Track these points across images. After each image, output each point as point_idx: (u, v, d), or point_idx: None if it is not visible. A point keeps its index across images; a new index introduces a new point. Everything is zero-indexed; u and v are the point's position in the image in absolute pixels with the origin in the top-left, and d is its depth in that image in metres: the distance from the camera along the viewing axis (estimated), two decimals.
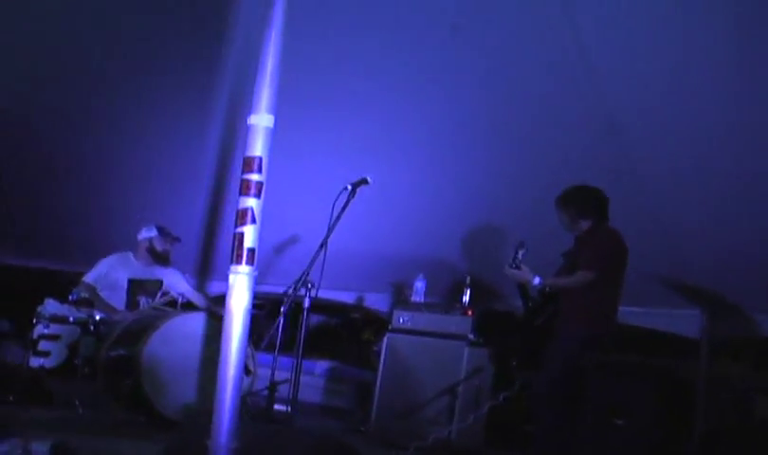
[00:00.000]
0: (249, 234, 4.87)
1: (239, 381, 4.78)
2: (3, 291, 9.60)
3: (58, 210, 10.36)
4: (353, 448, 5.24)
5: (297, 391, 7.74)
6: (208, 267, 11.14)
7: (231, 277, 4.84)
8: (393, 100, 8.31)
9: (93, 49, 8.48)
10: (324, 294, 9.87)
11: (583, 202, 6.98)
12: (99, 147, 9.76)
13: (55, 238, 10.68)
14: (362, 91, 8.33)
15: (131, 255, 9.06)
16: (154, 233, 9.08)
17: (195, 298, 9.10)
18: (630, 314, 7.98)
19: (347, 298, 10.83)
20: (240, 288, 4.83)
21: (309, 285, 7.51)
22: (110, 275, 8.81)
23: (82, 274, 8.81)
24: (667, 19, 6.71)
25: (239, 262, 4.84)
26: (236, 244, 4.87)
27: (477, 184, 8.63)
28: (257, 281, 9.78)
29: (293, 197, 9.21)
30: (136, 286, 8.91)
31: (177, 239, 9.29)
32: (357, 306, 10.90)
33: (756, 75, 6.66)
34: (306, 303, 7.61)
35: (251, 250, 4.86)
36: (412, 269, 8.89)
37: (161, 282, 9.10)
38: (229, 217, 9.43)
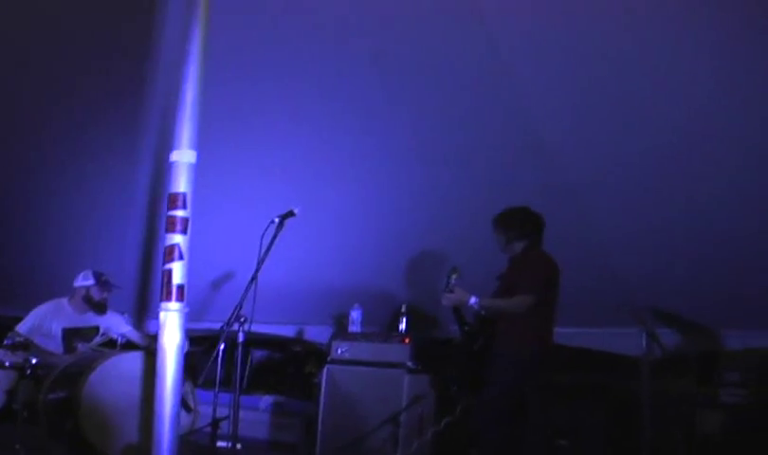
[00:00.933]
0: (178, 270, 4.87)
1: (176, 418, 4.76)
2: None
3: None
4: None
5: (237, 427, 7.64)
6: (145, 306, 11.04)
7: (162, 314, 4.84)
8: (318, 130, 8.33)
9: (21, 96, 8.45)
10: (264, 328, 9.92)
11: (519, 223, 7.02)
12: (32, 192, 9.70)
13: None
14: (287, 122, 8.34)
15: (65, 302, 8.81)
16: (91, 281, 8.81)
17: (137, 338, 8.96)
18: (568, 335, 8.03)
19: (288, 331, 10.80)
20: (171, 325, 4.82)
21: (242, 320, 7.45)
22: (43, 325, 8.59)
23: (18, 318, 8.68)
24: (586, 32, 6.78)
25: (169, 298, 4.83)
26: (165, 280, 4.86)
27: (409, 210, 8.67)
28: (194, 317, 9.85)
29: (227, 233, 9.20)
30: (71, 334, 8.67)
31: (116, 286, 9.05)
32: (299, 339, 10.86)
33: (680, 80, 6.78)
34: (240, 338, 7.53)
35: (180, 287, 4.85)
36: (350, 300, 8.90)
37: (98, 328, 8.92)
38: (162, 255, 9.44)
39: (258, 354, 12.14)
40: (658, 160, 7.33)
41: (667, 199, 7.56)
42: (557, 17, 6.79)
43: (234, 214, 9.24)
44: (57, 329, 8.66)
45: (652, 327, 8.06)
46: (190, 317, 9.86)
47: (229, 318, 7.27)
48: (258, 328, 9.47)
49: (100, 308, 8.84)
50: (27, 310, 8.74)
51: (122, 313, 9.42)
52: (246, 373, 11.55)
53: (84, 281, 8.83)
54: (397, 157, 8.32)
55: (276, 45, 7.71)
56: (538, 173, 7.73)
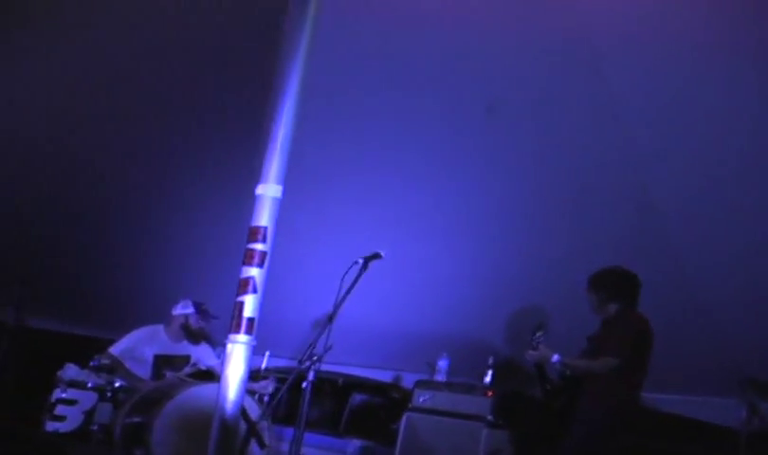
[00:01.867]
0: (250, 304, 4.87)
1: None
2: (25, 354, 9.60)
3: (89, 277, 10.42)
4: None
5: None
6: None
7: (229, 346, 4.83)
8: (420, 170, 8.30)
9: (147, 126, 8.67)
10: (361, 372, 9.88)
11: (613, 285, 6.86)
12: (138, 216, 9.84)
13: (83, 304, 10.73)
14: (384, 162, 8.35)
15: (161, 329, 8.82)
16: (190, 310, 8.83)
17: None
18: (662, 401, 7.84)
19: (384, 376, 10.73)
20: (237, 357, 4.80)
21: (314, 359, 7.39)
22: (137, 349, 8.61)
23: (106, 341, 8.75)
24: (699, 99, 6.64)
25: (237, 331, 4.81)
26: (236, 313, 4.84)
27: (510, 264, 8.53)
28: (294, 356, 9.86)
29: (331, 273, 9.19)
30: (162, 362, 8.68)
31: (215, 317, 8.93)
32: (395, 385, 10.79)
33: None
34: (310, 376, 7.48)
35: (251, 320, 4.84)
36: (443, 347, 8.79)
37: (189, 358, 8.87)
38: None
39: (358, 398, 12.10)
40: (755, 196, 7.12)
41: None
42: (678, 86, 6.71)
43: (337, 255, 9.23)
44: (149, 354, 8.67)
45: (754, 398, 7.83)
46: (289, 355, 10.03)
47: (301, 357, 7.22)
48: (355, 371, 9.52)
49: (196, 337, 8.84)
50: (120, 334, 8.83)
51: (215, 347, 9.40)
52: (345, 415, 11.53)
53: (184, 309, 8.86)
54: (496, 210, 8.27)
55: (381, 91, 7.75)
56: (649, 240, 7.57)
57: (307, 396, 7.25)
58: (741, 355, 7.82)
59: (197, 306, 8.89)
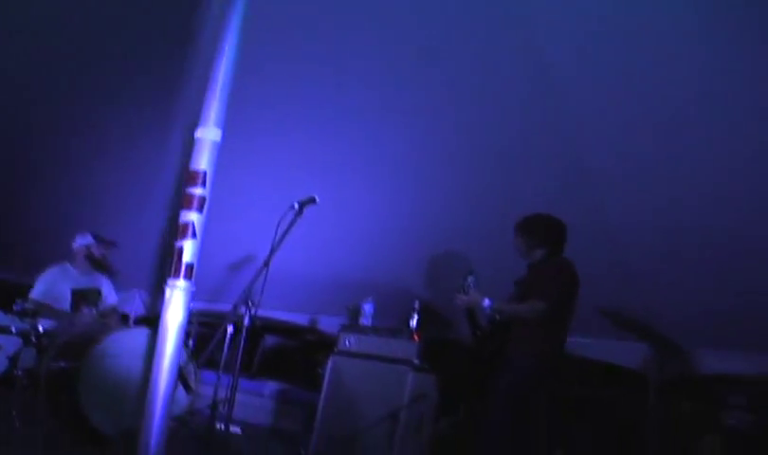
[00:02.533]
0: (189, 249, 4.83)
1: (169, 397, 4.69)
2: None
3: (14, 221, 10.25)
4: None
5: (232, 410, 7.57)
6: (162, 283, 10.99)
7: (168, 291, 4.79)
8: (350, 122, 8.27)
9: (58, 63, 8.48)
10: (278, 315, 9.86)
11: (541, 231, 6.94)
12: (52, 153, 9.69)
13: (8, 248, 10.57)
14: (320, 111, 8.28)
15: (68, 265, 8.89)
16: (89, 239, 8.93)
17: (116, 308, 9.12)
18: (575, 344, 7.96)
19: (301, 320, 10.74)
20: (176, 302, 4.77)
21: (249, 304, 7.38)
22: (55, 288, 8.66)
23: (27, 286, 8.67)
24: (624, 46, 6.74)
25: (177, 276, 4.77)
26: (175, 258, 4.80)
27: (433, 209, 8.59)
28: (210, 299, 9.81)
29: (250, 215, 9.16)
30: (78, 296, 8.75)
31: (113, 243, 9.10)
32: (312, 329, 10.80)
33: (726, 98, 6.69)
34: (246, 321, 7.49)
35: (190, 265, 4.80)
36: (366, 293, 8.84)
37: (100, 291, 8.99)
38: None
39: (270, 341, 12.10)
40: (678, 158, 7.23)
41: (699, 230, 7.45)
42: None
43: (256, 198, 9.21)
44: (66, 290, 8.73)
45: (661, 344, 8.03)
46: (206, 297, 9.99)
47: (237, 302, 7.22)
48: (272, 314, 9.51)
49: (101, 266, 8.90)
50: (30, 274, 8.76)
51: (116, 277, 9.37)
52: (257, 357, 11.53)
53: (83, 240, 8.95)
54: (426, 157, 8.29)
55: (317, 32, 7.70)
56: (569, 180, 7.67)
57: (242, 342, 7.28)
58: (654, 305, 8.02)
59: (94, 235, 8.96)
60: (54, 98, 8.96)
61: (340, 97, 8.05)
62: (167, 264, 10.34)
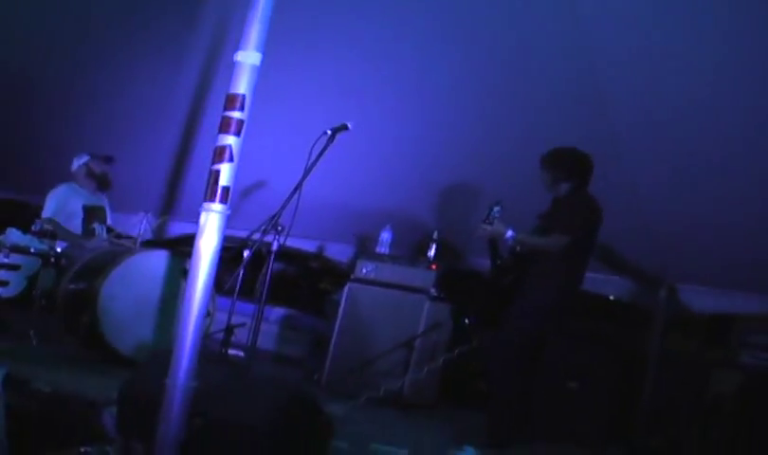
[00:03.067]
0: (226, 172, 4.77)
1: (201, 321, 4.71)
2: None
3: (25, 140, 10.24)
4: (310, 395, 5.20)
5: (256, 338, 7.65)
6: (171, 207, 11.02)
7: (203, 215, 4.73)
8: (378, 46, 8.20)
9: None
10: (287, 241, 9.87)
11: (567, 165, 6.87)
12: (67, 74, 9.66)
13: (22, 169, 10.56)
14: (346, 34, 8.21)
15: (74, 185, 8.99)
16: (86, 158, 9.04)
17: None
18: (590, 279, 8.00)
19: (308, 246, 10.74)
20: (211, 227, 4.73)
21: (279, 229, 7.41)
22: (67, 205, 8.78)
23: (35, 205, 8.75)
24: None
25: (212, 199, 4.74)
26: (211, 181, 4.78)
27: (456, 139, 8.52)
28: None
29: (261, 141, 9.12)
30: (89, 213, 8.89)
31: (111, 159, 9.17)
32: (318, 255, 10.82)
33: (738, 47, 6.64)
34: (274, 247, 7.53)
35: (226, 189, 4.75)
36: (379, 221, 8.89)
37: (105, 208, 9.13)
38: (199, 158, 9.39)
39: (274, 266, 12.13)
40: (695, 116, 7.19)
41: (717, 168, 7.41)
42: None
43: (268, 124, 9.15)
44: (78, 207, 8.86)
45: (671, 283, 8.06)
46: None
47: (265, 227, 7.20)
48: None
49: (104, 182, 8.95)
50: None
51: (145, 212, 9.41)
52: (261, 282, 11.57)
53: (80, 160, 9.07)
54: (448, 87, 8.19)
55: None
56: (589, 119, 7.57)
57: (269, 267, 7.30)
58: (665, 242, 8.02)
59: (90, 154, 9.06)
60: (58, 15, 8.91)
61: (371, 23, 7.99)
62: (175, 189, 10.58)
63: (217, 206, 4.71)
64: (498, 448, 6.49)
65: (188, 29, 8.75)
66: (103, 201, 9.13)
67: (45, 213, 8.62)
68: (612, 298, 8.61)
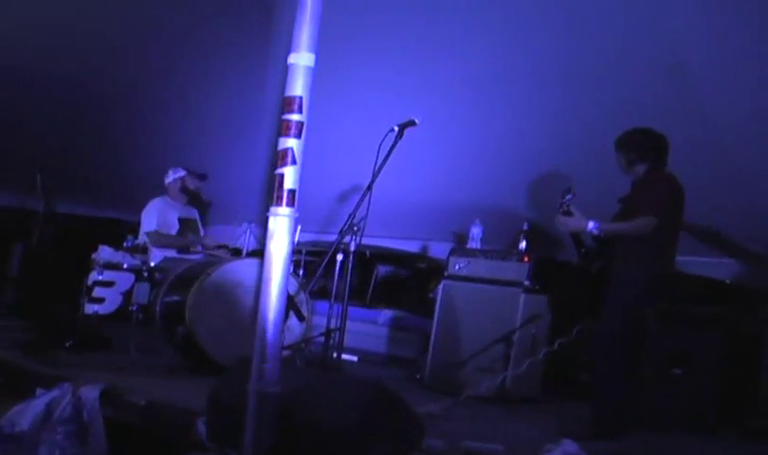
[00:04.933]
0: (290, 175, 4.79)
1: (279, 325, 4.72)
2: (59, 239, 9.67)
3: (114, 158, 10.42)
4: (395, 394, 5.16)
5: (343, 338, 7.65)
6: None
7: (271, 219, 4.77)
8: (451, 38, 8.10)
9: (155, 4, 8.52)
10: (390, 243, 9.89)
11: (641, 145, 6.73)
12: (156, 93, 9.85)
13: (110, 186, 10.77)
14: (417, 28, 8.15)
15: (168, 198, 9.11)
16: (183, 173, 9.14)
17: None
18: (695, 263, 7.81)
19: (412, 247, 10.76)
20: (280, 231, 4.75)
21: (355, 230, 7.43)
22: (166, 218, 8.92)
23: (134, 223, 8.90)
24: None
25: (279, 203, 4.75)
26: (276, 185, 4.79)
27: (537, 129, 8.41)
28: (321, 230, 9.85)
29: (356, 144, 9.13)
30: (184, 225, 9.04)
31: (204, 176, 9.31)
32: (423, 256, 10.83)
33: None
34: (352, 248, 7.54)
35: (291, 192, 4.77)
36: (473, 217, 8.77)
37: (197, 221, 9.27)
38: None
39: (383, 270, 12.18)
40: None
41: None
42: None
43: (358, 126, 9.18)
44: (174, 219, 9.00)
45: None
46: (317, 228, 10.02)
47: (342, 229, 7.24)
48: (383, 242, 9.53)
49: (195, 198, 9.09)
50: (134, 212, 8.98)
51: (206, 211, 9.57)
52: (371, 286, 11.62)
53: (176, 174, 9.18)
54: (527, 76, 8.06)
55: None
56: (676, 98, 7.37)
57: (350, 268, 7.32)
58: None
59: (186, 168, 9.17)
60: (150, 31, 9.02)
61: (442, 15, 7.92)
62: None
63: (284, 210, 4.74)
64: (603, 439, 6.35)
65: (265, 37, 8.80)
66: (194, 214, 9.27)
67: (149, 227, 8.76)
68: (723, 281, 8.37)
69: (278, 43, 8.91)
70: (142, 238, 8.62)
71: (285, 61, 4.90)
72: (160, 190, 9.16)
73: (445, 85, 8.46)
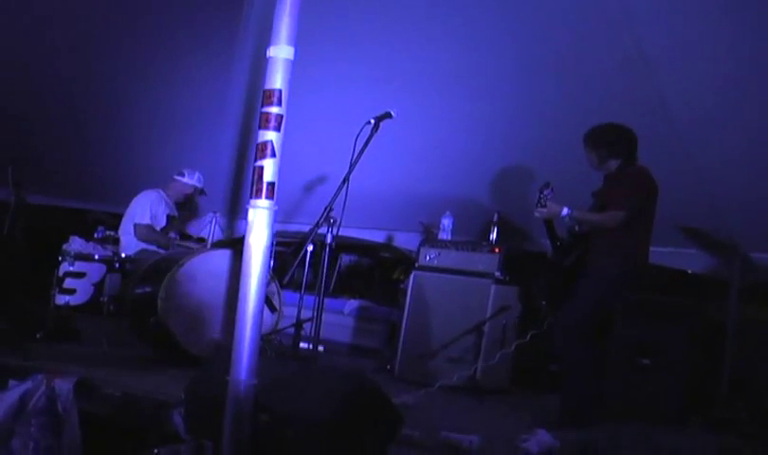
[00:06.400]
0: (269, 168, 4.78)
1: (258, 317, 4.73)
2: (29, 230, 9.61)
3: (84, 151, 10.36)
4: (375, 385, 5.18)
5: (319, 330, 7.70)
6: (237, 206, 11.10)
7: (251, 212, 4.76)
8: (420, 31, 8.20)
9: None
10: (354, 233, 9.89)
11: (612, 140, 6.77)
12: (124, 87, 9.79)
13: (81, 177, 10.70)
14: (388, 22, 8.25)
15: (162, 192, 9.08)
16: (200, 184, 9.25)
17: None
18: (660, 254, 7.87)
19: (377, 237, 10.78)
20: (259, 223, 4.75)
21: (331, 222, 7.46)
22: (157, 213, 8.92)
23: (104, 213, 8.87)
24: None
25: (258, 196, 4.76)
26: (255, 177, 4.79)
27: (507, 121, 8.48)
28: (284, 219, 9.86)
29: (322, 135, 9.17)
30: (170, 223, 9.03)
31: (204, 193, 9.44)
32: (388, 245, 10.85)
33: None
34: (328, 240, 7.56)
35: (271, 184, 4.77)
36: (442, 208, 8.81)
37: (177, 219, 9.28)
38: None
39: (346, 259, 12.22)
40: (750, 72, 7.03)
41: None
42: None
43: (326, 117, 9.19)
44: (163, 216, 8.99)
45: (745, 252, 7.91)
46: (280, 218, 10.04)
47: (318, 220, 7.27)
48: (347, 232, 9.56)
49: (191, 209, 9.02)
50: (116, 205, 8.91)
51: (213, 213, 9.53)
52: (334, 276, 11.63)
53: (198, 181, 9.23)
54: (496, 69, 8.16)
55: None
56: (643, 96, 7.46)
57: (326, 259, 7.34)
58: (734, 211, 7.87)
59: (202, 184, 9.29)
60: (123, 25, 8.99)
61: (413, 8, 7.96)
62: (240, 188, 10.65)
63: (264, 202, 4.74)
64: (573, 428, 6.39)
65: (233, 30, 8.79)
66: (176, 212, 9.23)
67: (141, 219, 8.76)
68: (688, 271, 8.47)
69: (245, 37, 8.94)
70: (128, 227, 8.60)
71: (253, 54, 4.94)
72: (134, 180, 9.12)
73: (413, 78, 8.54)
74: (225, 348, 4.93)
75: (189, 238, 9.46)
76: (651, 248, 6.84)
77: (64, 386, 5.91)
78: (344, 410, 4.80)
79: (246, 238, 4.80)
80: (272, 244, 8.59)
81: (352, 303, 10.95)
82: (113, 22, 8.91)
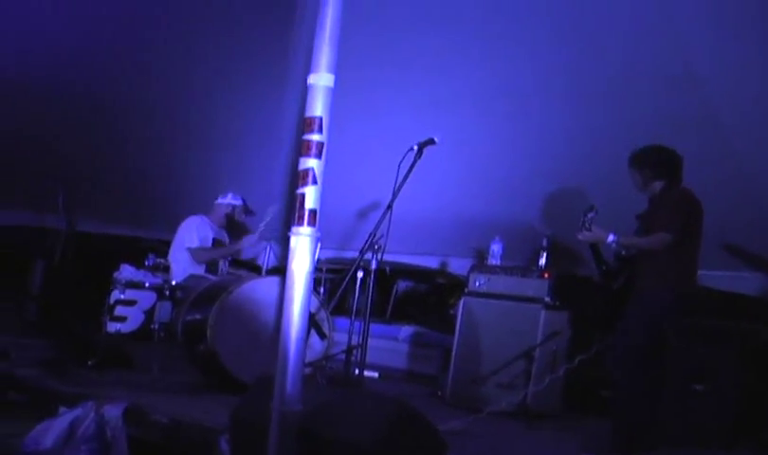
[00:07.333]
0: (311, 195, 4.80)
1: (301, 343, 4.73)
2: (80, 257, 9.72)
3: (137, 180, 10.45)
4: (417, 411, 5.17)
5: (365, 355, 7.70)
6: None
7: (293, 239, 4.78)
8: (468, 60, 8.19)
9: (173, 23, 8.56)
10: (409, 259, 9.90)
11: (656, 162, 6.73)
12: (184, 115, 9.87)
13: (133, 204, 10.79)
14: (437, 49, 8.22)
15: (205, 217, 9.07)
16: (239, 203, 9.15)
17: None
18: (714, 277, 7.79)
19: (432, 263, 10.76)
20: (302, 250, 4.76)
21: (376, 248, 7.47)
22: (203, 236, 8.91)
23: (155, 241, 8.91)
24: None
25: (300, 223, 4.77)
26: (297, 205, 4.81)
27: (556, 145, 8.45)
28: (340, 246, 9.88)
29: (373, 161, 9.18)
30: (216, 246, 9.01)
31: (253, 213, 9.32)
32: (443, 271, 10.85)
33: None
34: (373, 265, 7.57)
35: (313, 211, 4.78)
36: (492, 232, 8.77)
37: (226, 244, 9.19)
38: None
39: (403, 285, 12.20)
40: None
41: None
42: None
43: (378, 144, 9.21)
44: (209, 240, 8.96)
45: None
46: (335, 245, 10.06)
47: (363, 247, 7.28)
48: (402, 258, 9.56)
49: (236, 230, 9.04)
50: (169, 232, 8.96)
51: (266, 241, 9.55)
52: (390, 302, 11.64)
53: (233, 200, 9.16)
54: (546, 92, 8.16)
55: None
56: (687, 109, 7.39)
57: (371, 285, 7.34)
58: None
59: (244, 199, 9.15)
60: (174, 50, 9.06)
61: (456, 34, 7.97)
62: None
63: (306, 229, 4.75)
64: None
65: (283, 53, 8.84)
66: (226, 238, 9.21)
67: (190, 243, 8.77)
68: (740, 294, 8.37)
69: (295, 63, 8.97)
70: (177, 254, 8.67)
71: (303, 81, 4.96)
72: (184, 207, 9.17)
73: (460, 102, 8.54)
74: (269, 374, 4.93)
75: (243, 265, 9.46)
76: (706, 272, 6.78)
77: (113, 412, 5.98)
78: (386, 436, 4.81)
79: (289, 265, 4.81)
80: (322, 270, 8.69)
81: (406, 330, 10.95)
82: (173, 51, 8.97)
